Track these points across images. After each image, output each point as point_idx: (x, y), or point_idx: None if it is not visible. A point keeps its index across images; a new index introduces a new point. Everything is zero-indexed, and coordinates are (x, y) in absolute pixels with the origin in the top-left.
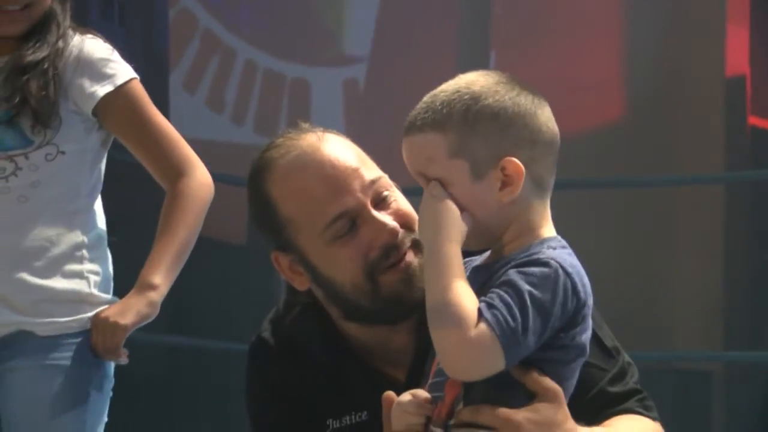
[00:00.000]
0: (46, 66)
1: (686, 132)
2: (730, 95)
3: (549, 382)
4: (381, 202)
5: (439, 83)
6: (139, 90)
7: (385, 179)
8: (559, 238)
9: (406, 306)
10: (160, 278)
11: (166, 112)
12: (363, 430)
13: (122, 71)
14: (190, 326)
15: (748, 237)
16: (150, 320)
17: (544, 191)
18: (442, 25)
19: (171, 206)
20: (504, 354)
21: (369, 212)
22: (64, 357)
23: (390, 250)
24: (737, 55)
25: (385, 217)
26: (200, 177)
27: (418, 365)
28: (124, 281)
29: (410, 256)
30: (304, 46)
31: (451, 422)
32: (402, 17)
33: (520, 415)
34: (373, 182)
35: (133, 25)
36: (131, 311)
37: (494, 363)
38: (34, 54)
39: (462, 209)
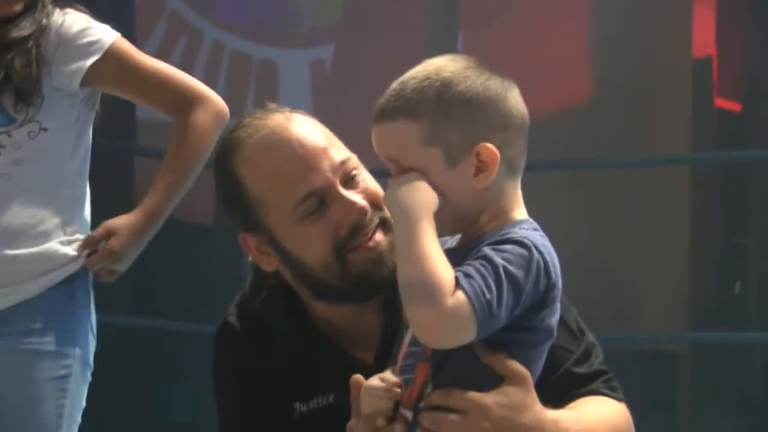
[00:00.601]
0: (30, 44)
1: (653, 113)
2: (697, 76)
3: (517, 366)
4: (349, 182)
5: (407, 65)
6: (125, 46)
7: (354, 159)
8: (531, 220)
9: (375, 284)
10: (166, 213)
11: None
12: (330, 413)
13: (104, 35)
14: (156, 308)
15: (714, 218)
16: None
17: (516, 173)
18: (410, 6)
19: (177, 141)
20: (477, 325)
21: (338, 191)
22: (44, 342)
23: (358, 228)
24: (704, 36)
25: (354, 196)
26: (210, 108)
27: (386, 347)
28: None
29: (379, 235)
30: (271, 27)
31: (421, 404)
32: None
33: (488, 398)
34: (342, 162)
35: (99, 7)
36: (137, 252)
37: (467, 332)
38: (19, 31)
39: (438, 194)
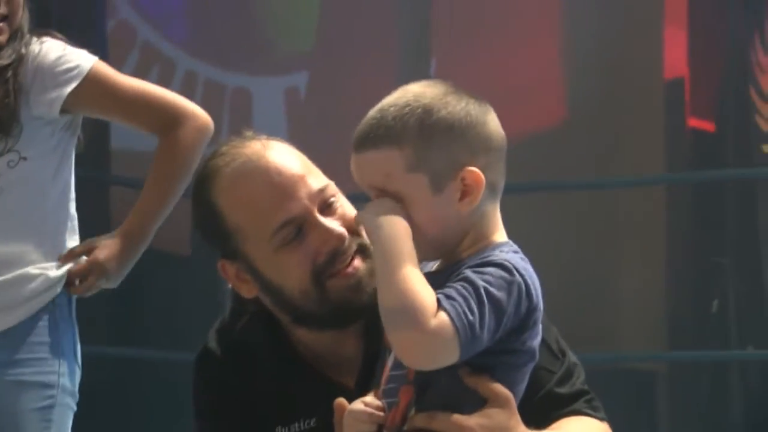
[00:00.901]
0: (8, 74)
1: (627, 135)
2: (670, 97)
3: (500, 388)
4: (327, 209)
5: (380, 91)
6: (103, 69)
7: (331, 186)
8: (511, 243)
9: (354, 310)
10: (150, 236)
11: (105, 125)
12: None
13: (81, 61)
14: (134, 337)
15: (689, 237)
16: None
17: (496, 196)
18: (382, 33)
19: (161, 159)
20: (460, 346)
21: (315, 218)
22: (27, 372)
23: (337, 255)
24: (676, 57)
25: (332, 223)
26: (192, 124)
27: (367, 372)
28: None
29: (357, 262)
30: (245, 55)
31: (405, 428)
32: (342, 25)
33: (472, 420)
34: (319, 190)
35: (71, 38)
36: (125, 269)
37: (450, 354)
38: None
39: (420, 224)
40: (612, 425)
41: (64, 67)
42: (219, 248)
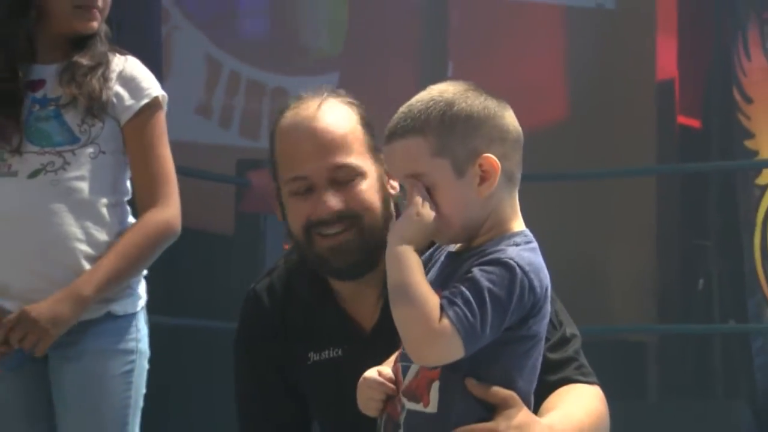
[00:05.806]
0: (100, 72)
1: (622, 130)
2: (661, 96)
3: (504, 392)
4: (341, 185)
5: (403, 89)
6: (162, 105)
7: (357, 169)
8: (527, 232)
9: (332, 269)
10: (92, 292)
11: None
12: (338, 363)
13: (155, 86)
14: (180, 309)
15: (677, 223)
16: None
17: (513, 186)
18: (405, 38)
19: (136, 230)
20: (464, 345)
21: (320, 187)
22: (111, 341)
23: (322, 223)
24: (667, 61)
25: (330, 197)
26: (172, 214)
27: (383, 322)
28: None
29: (346, 235)
30: (283, 58)
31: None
32: (368, 31)
33: (501, 425)
34: (339, 166)
35: (130, 42)
36: (62, 322)
37: (455, 352)
38: (92, 59)
39: (447, 206)
40: (605, 391)
41: (144, 84)
42: (271, 171)
